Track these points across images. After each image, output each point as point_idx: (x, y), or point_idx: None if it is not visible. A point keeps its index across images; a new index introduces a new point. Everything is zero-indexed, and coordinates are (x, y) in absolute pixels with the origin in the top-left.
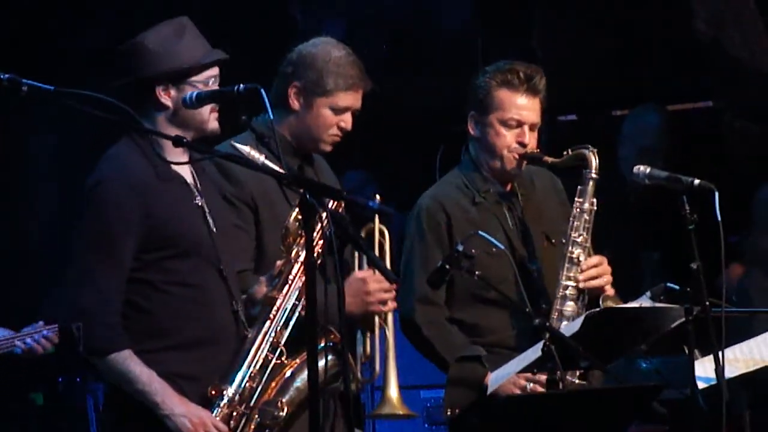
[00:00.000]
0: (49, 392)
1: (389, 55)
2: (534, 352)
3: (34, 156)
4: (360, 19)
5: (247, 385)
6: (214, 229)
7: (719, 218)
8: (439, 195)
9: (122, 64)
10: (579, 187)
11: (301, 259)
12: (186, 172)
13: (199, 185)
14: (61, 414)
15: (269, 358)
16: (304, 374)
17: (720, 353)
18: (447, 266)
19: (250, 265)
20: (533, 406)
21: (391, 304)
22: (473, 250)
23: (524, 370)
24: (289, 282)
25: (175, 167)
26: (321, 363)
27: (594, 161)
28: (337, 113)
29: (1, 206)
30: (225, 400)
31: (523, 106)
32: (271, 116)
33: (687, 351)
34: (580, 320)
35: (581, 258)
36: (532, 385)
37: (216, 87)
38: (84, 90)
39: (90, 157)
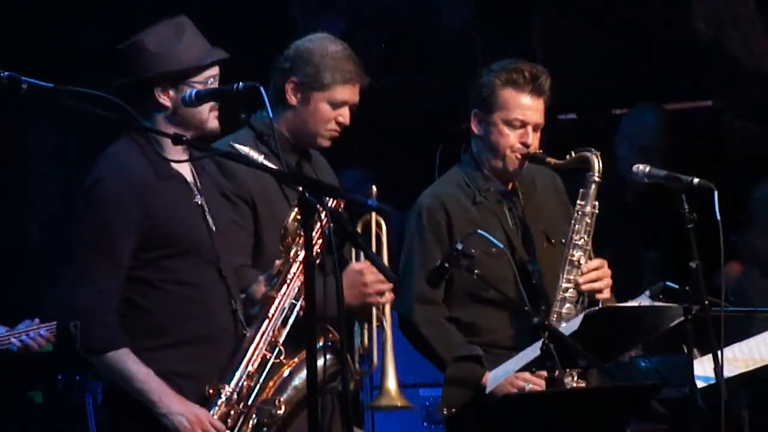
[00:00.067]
0: (48, 390)
1: (389, 54)
2: (533, 351)
3: (34, 156)
4: (360, 18)
5: (245, 383)
6: (214, 228)
7: (718, 217)
8: (440, 193)
9: (121, 65)
10: (581, 189)
11: (300, 258)
12: (186, 170)
13: (198, 183)
14: (60, 412)
15: (267, 357)
16: (303, 373)
17: (719, 352)
18: (446, 265)
19: (248, 261)
20: (530, 405)
21: (389, 296)
22: (473, 250)
23: (523, 368)
24: (288, 281)
25: (174, 166)
26: (320, 362)
27: (597, 164)
28: (334, 107)
29: (1, 206)
30: (223, 399)
31: (528, 107)
32: (271, 115)
33: (686, 350)
34: (579, 319)
35: (582, 261)
36: (530, 386)
37: (215, 86)
38: (84, 88)
39: (90, 157)
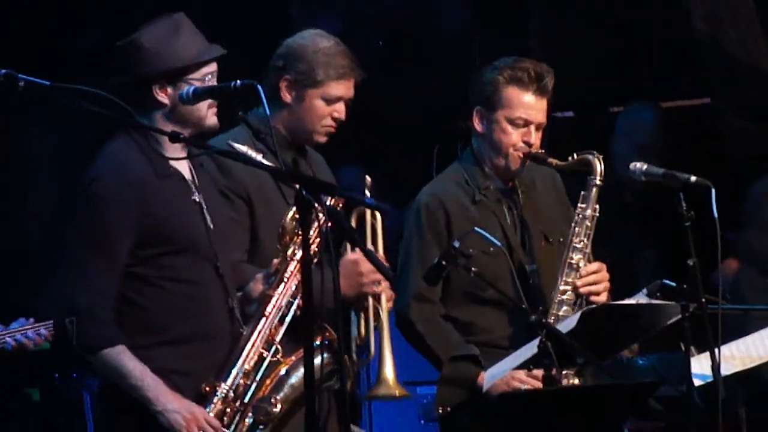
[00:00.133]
0: (45, 388)
1: (387, 53)
2: (530, 349)
3: (34, 156)
4: (359, 18)
5: (242, 381)
6: (212, 226)
7: (716, 215)
8: (440, 191)
9: (119, 62)
10: (582, 192)
11: (298, 257)
12: (184, 168)
13: (197, 181)
14: (57, 409)
15: (264, 355)
16: (299, 372)
17: (716, 350)
18: (443, 263)
19: (244, 257)
20: (526, 403)
21: (385, 284)
22: (471, 250)
23: (520, 366)
24: (285, 280)
25: (173, 163)
26: (316, 361)
27: (599, 167)
28: (329, 103)
29: (1, 206)
30: (219, 397)
31: (532, 106)
32: (268, 112)
33: (683, 348)
34: (576, 316)
35: (581, 264)
36: (526, 387)
37: (213, 83)
38: (81, 86)
39: (90, 157)
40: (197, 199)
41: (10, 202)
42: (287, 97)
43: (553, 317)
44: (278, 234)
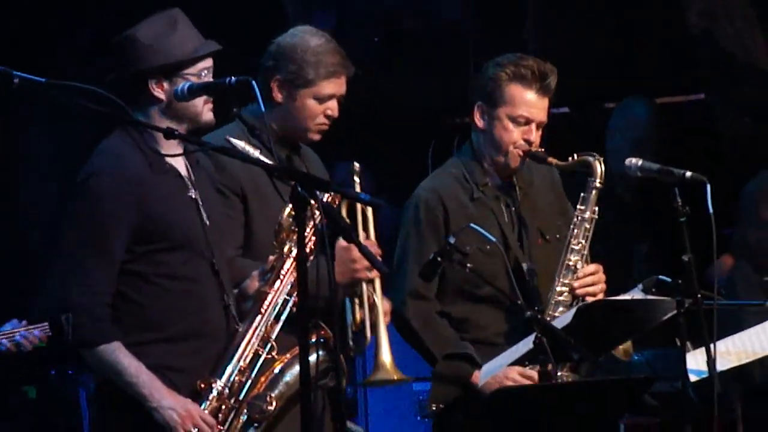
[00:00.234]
0: (41, 385)
1: (383, 50)
2: (526, 345)
3: (33, 156)
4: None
5: (237, 379)
6: (207, 222)
7: (711, 210)
8: (438, 187)
9: (115, 58)
10: (582, 194)
11: (294, 254)
12: (180, 164)
13: (193, 177)
14: (53, 406)
15: (259, 352)
16: (294, 369)
17: (712, 346)
18: (439, 259)
19: (239, 253)
20: (521, 400)
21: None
22: (467, 248)
23: (516, 362)
24: (281, 277)
25: (169, 160)
26: (311, 358)
27: (599, 169)
28: (321, 102)
29: (0, 206)
30: (214, 394)
31: (534, 104)
32: (263, 109)
33: (679, 343)
34: (572, 312)
35: (578, 265)
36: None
37: (209, 79)
38: (76, 83)
39: (89, 156)
40: (193, 196)
41: (9, 201)
42: (278, 96)
43: (549, 318)
44: (275, 231)
